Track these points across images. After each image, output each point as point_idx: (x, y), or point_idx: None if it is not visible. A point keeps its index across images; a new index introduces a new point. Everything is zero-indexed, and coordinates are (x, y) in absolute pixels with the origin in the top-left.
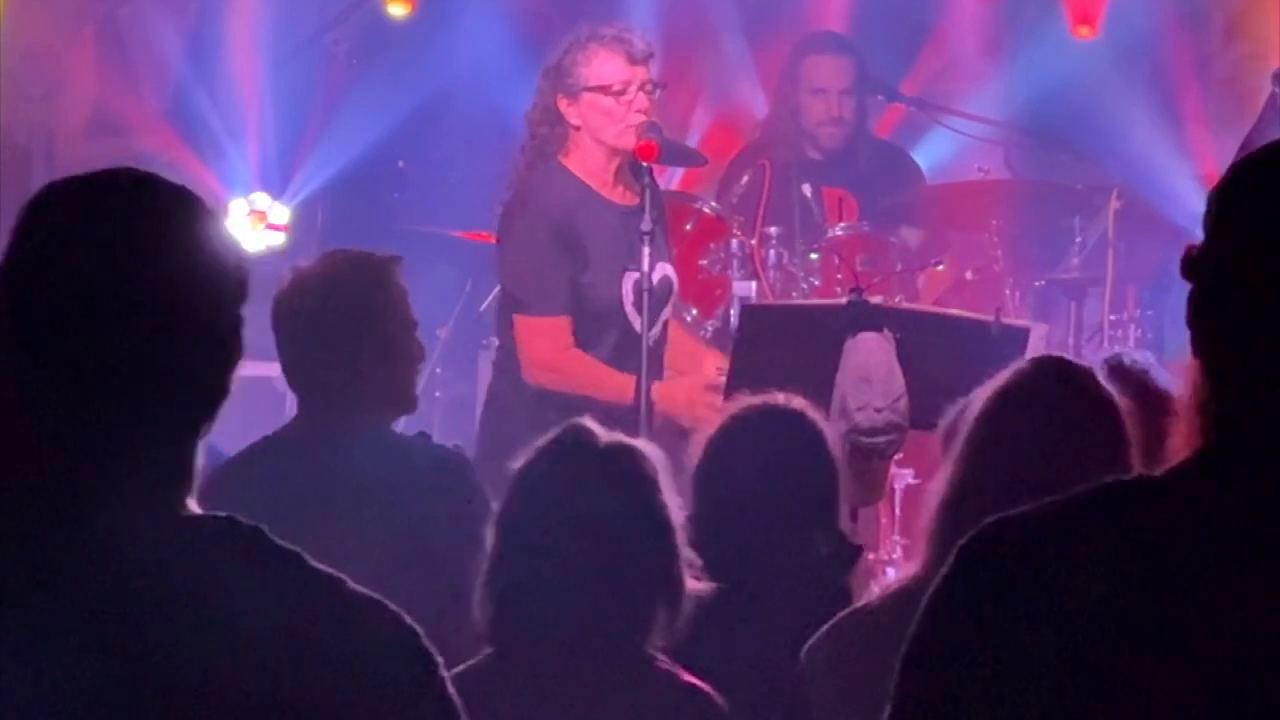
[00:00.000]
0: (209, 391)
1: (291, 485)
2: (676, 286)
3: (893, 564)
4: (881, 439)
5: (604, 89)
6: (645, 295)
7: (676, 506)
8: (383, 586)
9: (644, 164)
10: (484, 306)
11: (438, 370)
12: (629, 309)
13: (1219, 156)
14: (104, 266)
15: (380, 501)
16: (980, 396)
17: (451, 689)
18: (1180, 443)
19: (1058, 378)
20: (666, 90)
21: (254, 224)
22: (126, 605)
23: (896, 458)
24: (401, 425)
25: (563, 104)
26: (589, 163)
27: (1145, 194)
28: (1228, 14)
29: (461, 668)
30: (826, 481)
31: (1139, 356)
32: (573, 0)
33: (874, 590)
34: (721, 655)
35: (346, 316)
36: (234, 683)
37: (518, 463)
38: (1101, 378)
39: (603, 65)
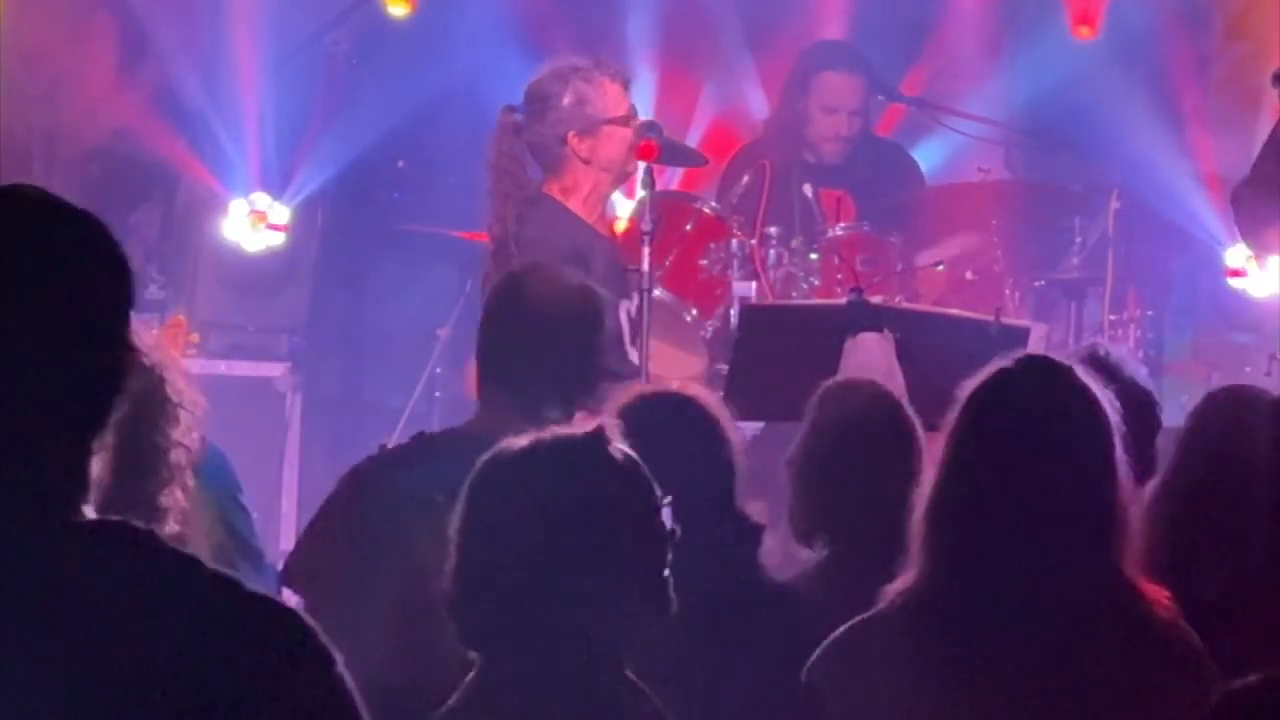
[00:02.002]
0: (99, 400)
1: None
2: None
3: None
4: None
5: (621, 120)
6: (645, 296)
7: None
8: None
9: (649, 164)
10: None
11: (438, 370)
12: (627, 333)
13: (1219, 156)
14: None
15: None
16: (960, 398)
17: (350, 684)
18: None
19: (1036, 378)
20: (666, 91)
21: (254, 224)
22: (14, 614)
23: None
24: (402, 425)
25: (574, 140)
26: (591, 196)
27: (1145, 194)
28: (1228, 14)
29: (454, 700)
30: (722, 464)
31: (1114, 349)
32: (573, 0)
33: None
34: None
35: (590, 334)
36: (129, 688)
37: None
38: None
39: (616, 97)
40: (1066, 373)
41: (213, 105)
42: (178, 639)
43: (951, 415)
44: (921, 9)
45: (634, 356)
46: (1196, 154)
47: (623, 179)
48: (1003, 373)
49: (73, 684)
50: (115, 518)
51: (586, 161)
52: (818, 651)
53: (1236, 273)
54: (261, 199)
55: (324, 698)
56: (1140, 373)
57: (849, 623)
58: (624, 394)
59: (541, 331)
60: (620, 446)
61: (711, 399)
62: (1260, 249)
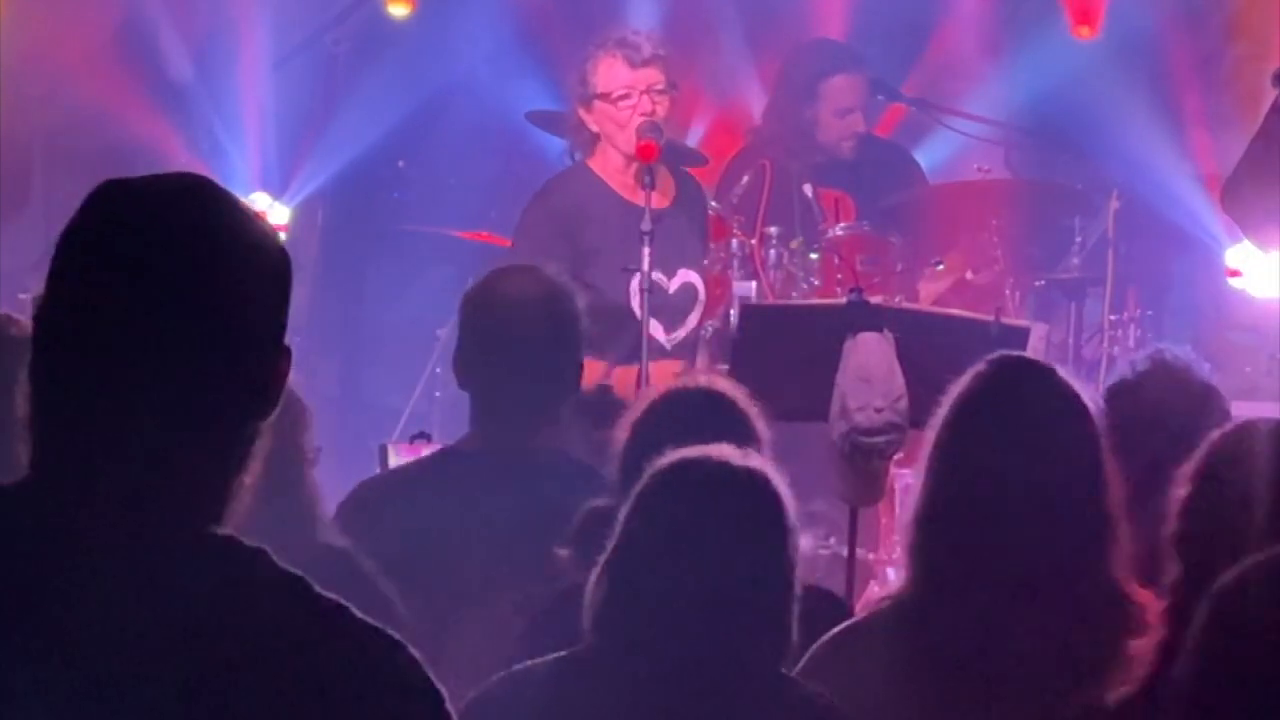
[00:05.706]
0: (254, 409)
1: (475, 502)
2: (703, 296)
3: (893, 564)
4: (881, 439)
5: (607, 96)
6: (644, 295)
7: (795, 545)
8: None
9: (649, 165)
10: None
11: (437, 370)
12: (637, 309)
13: (1219, 156)
14: (160, 271)
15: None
16: (943, 403)
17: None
18: None
19: (1016, 378)
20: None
21: None
22: (127, 620)
23: (896, 458)
24: (402, 425)
25: (582, 113)
26: (609, 166)
27: (1145, 194)
28: (1228, 14)
29: (553, 656)
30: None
31: (1180, 352)
32: (572, 0)
33: (873, 589)
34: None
35: (565, 340)
36: (236, 710)
37: (658, 462)
38: (1134, 372)
39: (607, 72)
40: (1045, 373)
41: (213, 105)
42: (287, 665)
43: (936, 420)
44: (921, 9)
45: (654, 329)
46: (1196, 154)
47: (629, 157)
48: (979, 376)
49: (176, 694)
50: (228, 533)
51: (598, 134)
52: (806, 656)
53: (1236, 273)
54: (261, 199)
55: None
56: (1204, 368)
57: (838, 627)
58: (653, 389)
59: (515, 347)
60: (754, 469)
61: (740, 393)
62: (1263, 243)
